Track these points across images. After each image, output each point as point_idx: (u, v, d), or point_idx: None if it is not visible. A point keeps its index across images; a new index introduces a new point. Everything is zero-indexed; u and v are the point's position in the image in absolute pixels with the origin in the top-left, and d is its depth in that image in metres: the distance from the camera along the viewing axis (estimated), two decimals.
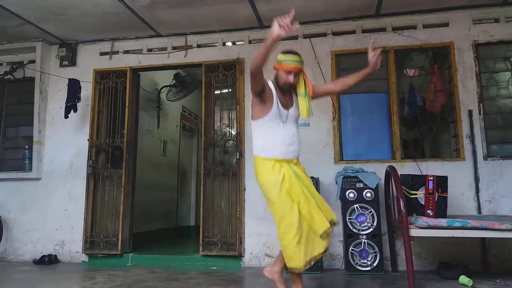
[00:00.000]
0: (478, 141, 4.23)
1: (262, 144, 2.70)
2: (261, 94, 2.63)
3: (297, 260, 2.52)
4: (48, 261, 4.68)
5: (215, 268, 4.34)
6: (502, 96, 4.41)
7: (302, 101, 2.71)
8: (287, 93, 2.76)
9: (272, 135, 2.67)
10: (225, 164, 4.83)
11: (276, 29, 2.24)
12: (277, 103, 2.67)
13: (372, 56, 2.78)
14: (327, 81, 4.55)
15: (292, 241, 2.51)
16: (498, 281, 3.41)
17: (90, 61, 5.27)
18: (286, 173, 2.63)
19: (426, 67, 4.74)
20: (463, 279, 3.31)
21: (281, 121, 2.68)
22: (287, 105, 2.73)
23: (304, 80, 2.74)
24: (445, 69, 4.56)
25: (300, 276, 2.70)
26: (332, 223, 2.67)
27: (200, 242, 4.52)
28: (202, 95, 4.87)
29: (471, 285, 3.23)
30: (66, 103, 4.97)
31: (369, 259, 3.86)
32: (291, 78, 2.64)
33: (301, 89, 2.73)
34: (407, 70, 4.79)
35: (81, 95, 5.00)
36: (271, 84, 2.73)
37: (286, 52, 2.67)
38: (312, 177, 4.10)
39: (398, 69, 4.64)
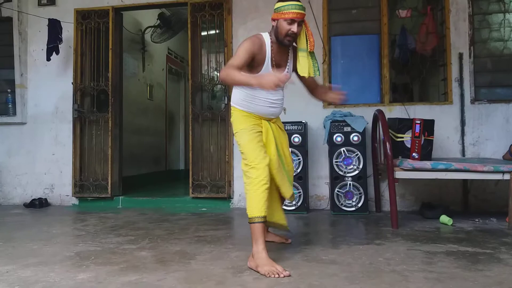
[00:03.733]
0: (467, 84, 4.23)
1: (244, 99, 2.46)
2: (250, 64, 2.38)
3: (259, 208, 2.26)
4: (39, 204, 4.74)
5: (205, 209, 4.45)
6: (494, 38, 4.35)
7: (303, 59, 2.39)
8: (284, 51, 2.47)
9: (257, 95, 2.42)
10: (213, 109, 4.78)
11: (269, 83, 2.09)
12: (269, 65, 2.40)
13: (335, 96, 2.56)
14: (318, 22, 4.42)
15: (261, 187, 2.27)
16: (476, 220, 3.56)
17: (70, 0, 5.00)
18: (264, 126, 2.47)
19: (419, 8, 4.61)
20: (444, 218, 3.44)
21: None
22: (279, 65, 2.44)
23: (306, 33, 2.39)
24: (438, 11, 4.45)
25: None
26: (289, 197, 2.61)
27: (190, 185, 4.59)
28: (188, 37, 4.71)
29: (451, 224, 3.37)
30: (47, 44, 4.78)
31: (354, 200, 3.98)
32: (294, 27, 2.31)
33: (302, 44, 2.39)
34: (400, 11, 4.66)
35: (62, 36, 4.80)
36: (266, 39, 2.41)
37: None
38: (300, 122, 4.13)
39: (390, 10, 4.51)
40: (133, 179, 5.78)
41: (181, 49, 7.70)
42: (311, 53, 2.44)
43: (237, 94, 2.51)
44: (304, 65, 2.41)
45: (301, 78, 2.63)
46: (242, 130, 2.43)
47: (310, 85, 2.71)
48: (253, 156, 2.34)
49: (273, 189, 2.48)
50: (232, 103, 2.55)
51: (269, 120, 2.52)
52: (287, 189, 2.57)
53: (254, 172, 2.31)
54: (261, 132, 2.46)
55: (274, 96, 2.46)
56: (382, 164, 3.76)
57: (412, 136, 3.53)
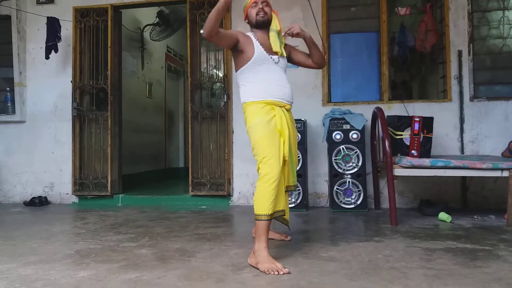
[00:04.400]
0: (466, 82, 4.23)
1: (251, 88, 2.47)
2: (235, 47, 2.48)
3: (267, 207, 2.28)
4: (39, 202, 4.74)
5: (204, 207, 4.46)
6: (493, 36, 4.35)
7: (273, 37, 2.53)
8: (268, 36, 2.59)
9: (261, 77, 2.46)
10: (212, 107, 4.79)
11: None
12: (259, 47, 2.49)
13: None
14: (317, 20, 4.42)
15: (270, 185, 2.29)
16: (475, 217, 3.57)
17: None
18: (278, 115, 2.43)
19: (418, 6, 4.62)
20: (443, 215, 3.45)
21: (269, 64, 2.49)
22: (271, 50, 2.53)
23: (275, 18, 2.60)
24: (437, 8, 4.45)
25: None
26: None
27: (190, 183, 4.59)
28: (187, 34, 4.71)
29: (449, 221, 3.38)
30: (46, 43, 4.78)
31: (353, 197, 3.98)
32: (258, 6, 2.54)
33: (273, 25, 2.56)
34: (399, 8, 4.66)
35: (61, 34, 4.81)
36: (250, 34, 2.57)
37: None
38: (299, 120, 4.13)
39: (389, 7, 4.51)
40: (133, 177, 5.79)
41: (180, 47, 7.70)
42: (278, 33, 2.57)
43: (246, 88, 2.52)
44: (275, 42, 2.53)
45: (295, 60, 2.77)
46: (257, 123, 2.40)
47: (303, 59, 2.76)
48: (266, 151, 2.34)
49: (283, 182, 2.44)
50: (243, 100, 2.54)
51: (283, 106, 2.51)
52: (293, 178, 2.65)
53: (264, 168, 2.32)
54: (275, 123, 2.43)
55: (276, 77, 2.50)
56: (381, 161, 3.77)
57: (411, 134, 3.54)
